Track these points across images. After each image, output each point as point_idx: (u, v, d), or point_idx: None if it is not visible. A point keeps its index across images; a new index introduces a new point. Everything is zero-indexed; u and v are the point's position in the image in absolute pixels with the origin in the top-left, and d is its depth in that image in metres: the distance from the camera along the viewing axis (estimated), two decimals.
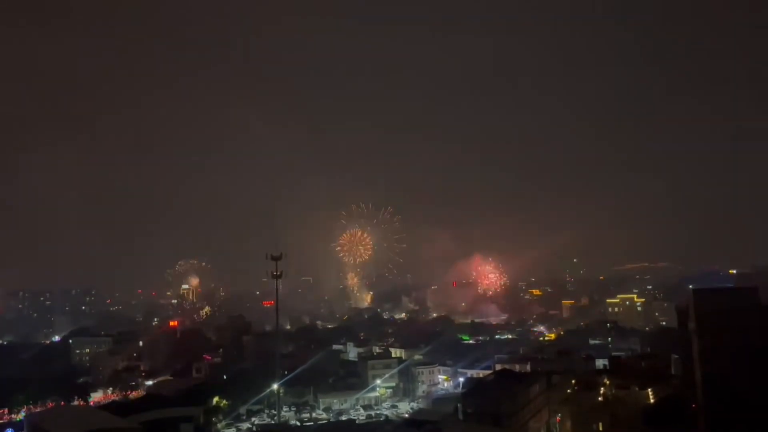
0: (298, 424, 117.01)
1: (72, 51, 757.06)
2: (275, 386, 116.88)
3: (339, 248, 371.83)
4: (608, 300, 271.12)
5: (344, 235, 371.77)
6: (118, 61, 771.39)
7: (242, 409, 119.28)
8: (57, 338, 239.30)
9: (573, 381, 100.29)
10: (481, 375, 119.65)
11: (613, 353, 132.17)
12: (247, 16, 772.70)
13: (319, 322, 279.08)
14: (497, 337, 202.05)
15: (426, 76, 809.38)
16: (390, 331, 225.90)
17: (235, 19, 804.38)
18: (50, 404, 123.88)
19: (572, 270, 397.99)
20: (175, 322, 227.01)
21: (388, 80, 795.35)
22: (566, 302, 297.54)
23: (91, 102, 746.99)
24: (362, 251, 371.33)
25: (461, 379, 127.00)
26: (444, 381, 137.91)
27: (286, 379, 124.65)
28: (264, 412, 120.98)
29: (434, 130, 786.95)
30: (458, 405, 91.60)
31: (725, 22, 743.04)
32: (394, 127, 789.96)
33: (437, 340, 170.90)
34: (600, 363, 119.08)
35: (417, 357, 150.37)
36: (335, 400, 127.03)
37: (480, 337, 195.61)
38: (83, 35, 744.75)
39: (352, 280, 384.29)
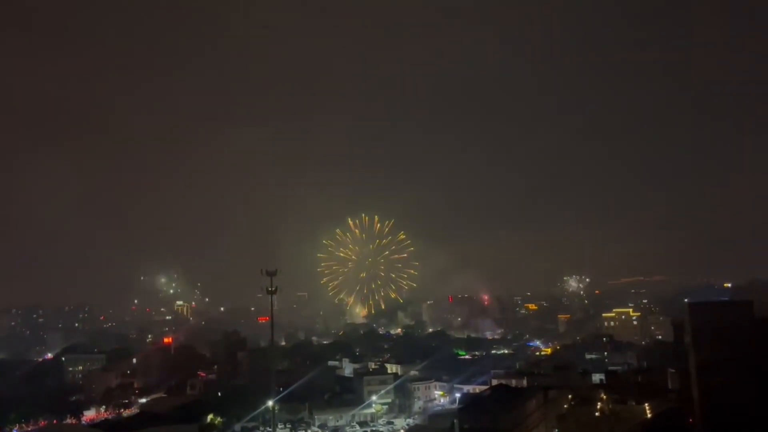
0: None
1: (68, 60, 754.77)
2: (270, 403, 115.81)
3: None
4: (604, 314, 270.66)
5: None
6: (116, 75, 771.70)
7: (237, 427, 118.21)
8: (49, 355, 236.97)
9: (570, 396, 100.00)
10: (477, 390, 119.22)
11: (610, 368, 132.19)
12: (248, 35, 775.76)
13: (314, 338, 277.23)
14: (493, 352, 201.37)
15: (429, 85, 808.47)
16: (386, 346, 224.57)
17: (237, 38, 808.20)
18: (42, 423, 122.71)
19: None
20: (170, 339, 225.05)
21: (386, 89, 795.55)
22: (562, 316, 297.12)
23: (83, 115, 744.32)
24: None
25: (457, 395, 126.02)
26: (440, 397, 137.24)
27: (281, 395, 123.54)
28: (259, 429, 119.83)
29: (433, 142, 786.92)
30: (455, 421, 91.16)
31: (727, 37, 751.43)
32: (391, 140, 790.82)
33: (433, 355, 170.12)
34: (596, 377, 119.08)
35: (413, 373, 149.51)
36: (331, 417, 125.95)
37: (476, 352, 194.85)
38: (74, 47, 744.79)
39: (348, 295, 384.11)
